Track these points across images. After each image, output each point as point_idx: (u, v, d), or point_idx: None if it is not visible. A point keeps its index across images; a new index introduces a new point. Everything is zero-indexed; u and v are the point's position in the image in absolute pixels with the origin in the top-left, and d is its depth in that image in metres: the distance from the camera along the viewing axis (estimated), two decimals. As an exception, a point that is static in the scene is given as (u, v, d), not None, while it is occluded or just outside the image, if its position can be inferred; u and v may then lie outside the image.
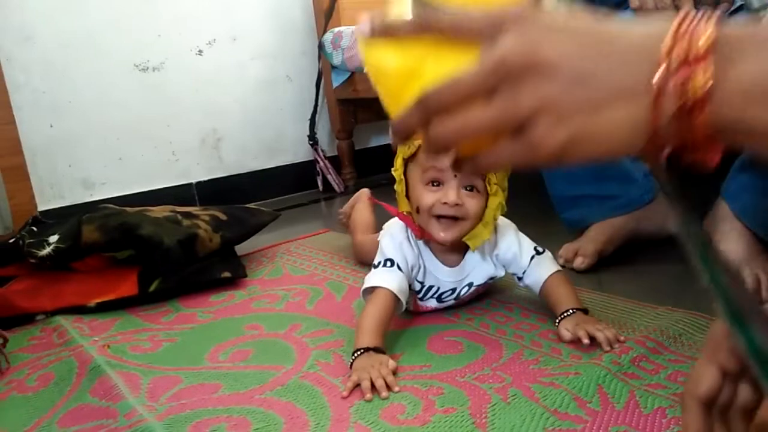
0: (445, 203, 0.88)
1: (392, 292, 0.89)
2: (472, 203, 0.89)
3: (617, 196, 1.21)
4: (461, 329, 0.94)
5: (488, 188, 0.89)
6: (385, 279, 0.90)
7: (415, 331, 0.95)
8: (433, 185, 0.89)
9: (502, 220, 0.98)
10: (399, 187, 0.94)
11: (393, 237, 0.95)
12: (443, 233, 0.89)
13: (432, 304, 0.99)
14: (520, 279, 0.98)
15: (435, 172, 0.88)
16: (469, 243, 0.92)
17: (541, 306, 0.96)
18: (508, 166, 0.37)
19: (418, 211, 0.91)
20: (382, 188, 1.63)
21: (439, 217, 0.89)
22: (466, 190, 0.89)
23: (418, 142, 0.90)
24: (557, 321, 0.88)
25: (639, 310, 0.94)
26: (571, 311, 0.88)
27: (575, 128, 0.33)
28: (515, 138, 0.35)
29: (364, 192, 1.44)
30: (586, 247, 1.17)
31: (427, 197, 0.89)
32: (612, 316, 0.93)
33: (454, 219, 0.89)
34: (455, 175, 0.88)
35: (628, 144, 0.33)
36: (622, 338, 0.83)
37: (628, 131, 0.33)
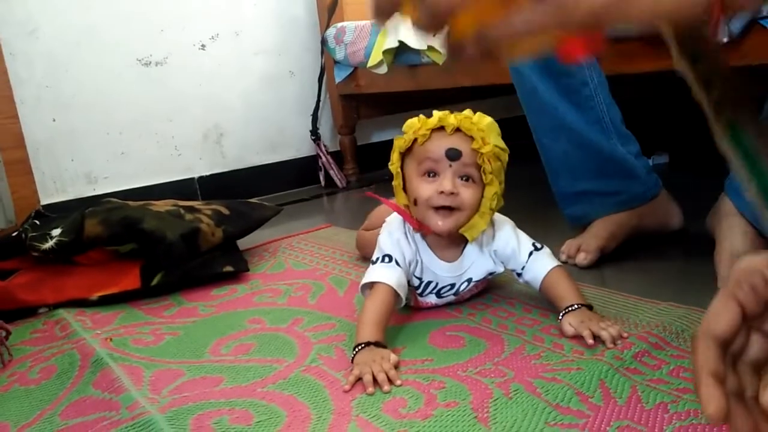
0: (441, 192, 0.88)
1: (391, 287, 0.89)
2: (467, 193, 0.89)
3: (620, 192, 1.21)
4: (463, 324, 0.94)
5: (483, 178, 0.89)
6: (383, 274, 0.90)
7: (416, 326, 0.95)
8: (429, 176, 0.90)
9: (499, 217, 0.98)
10: (396, 181, 0.94)
11: (390, 233, 0.95)
12: (441, 222, 0.90)
13: (431, 299, 0.99)
14: (519, 275, 0.97)
15: (430, 163, 0.89)
16: (466, 234, 0.92)
17: (543, 301, 0.96)
18: (525, 41, 0.30)
19: (415, 203, 0.91)
20: (385, 184, 1.63)
21: (436, 209, 0.90)
22: (462, 180, 0.90)
23: (413, 135, 0.91)
24: (561, 315, 0.88)
25: (641, 305, 0.94)
26: (575, 306, 0.88)
27: None
28: None
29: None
30: (589, 242, 1.17)
31: (424, 189, 0.90)
32: (614, 311, 0.93)
33: (450, 209, 0.89)
34: (450, 165, 0.88)
35: (687, 1, 0.28)
36: (624, 334, 0.83)
37: None
